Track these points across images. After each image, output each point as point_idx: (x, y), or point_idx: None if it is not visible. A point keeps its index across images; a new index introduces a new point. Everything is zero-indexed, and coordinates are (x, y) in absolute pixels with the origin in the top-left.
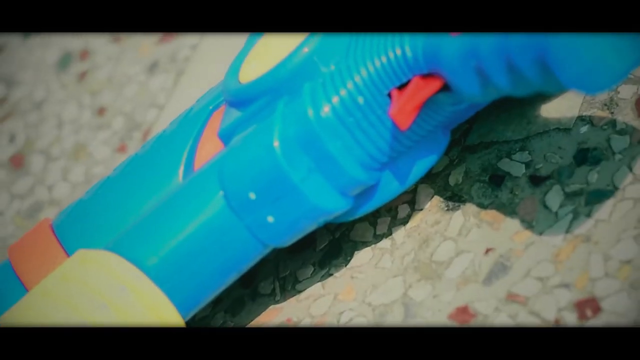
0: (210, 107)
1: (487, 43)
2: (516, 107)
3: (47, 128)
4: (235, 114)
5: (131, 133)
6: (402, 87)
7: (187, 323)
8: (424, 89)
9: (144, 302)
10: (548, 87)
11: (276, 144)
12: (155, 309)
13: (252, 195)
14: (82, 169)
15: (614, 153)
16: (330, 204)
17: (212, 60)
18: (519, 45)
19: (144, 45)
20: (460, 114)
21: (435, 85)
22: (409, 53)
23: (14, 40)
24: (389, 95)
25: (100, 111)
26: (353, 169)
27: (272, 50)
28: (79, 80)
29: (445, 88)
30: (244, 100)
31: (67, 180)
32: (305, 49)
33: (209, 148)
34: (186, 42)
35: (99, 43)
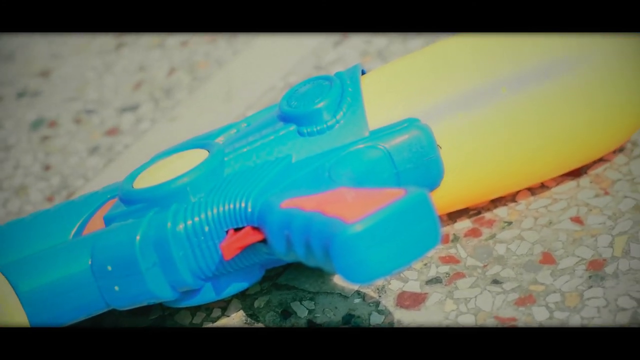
0: (109, 196)
1: (297, 222)
2: (318, 269)
3: (7, 166)
4: (121, 207)
5: (60, 191)
6: (237, 229)
7: None
8: (250, 237)
9: (10, 318)
10: (330, 269)
11: (137, 238)
12: (16, 324)
13: (109, 268)
14: (18, 203)
15: (369, 324)
16: (161, 293)
17: (134, 159)
18: (316, 232)
19: (95, 132)
20: (274, 261)
21: (258, 237)
22: (249, 208)
23: (9, 94)
24: (227, 232)
25: (47, 167)
26: (185, 274)
27: (164, 171)
28: (41, 140)
29: (265, 241)
30: (129, 200)
31: (5, 207)
32: (184, 179)
33: (96, 224)
34: (123, 141)
35: (66, 119)
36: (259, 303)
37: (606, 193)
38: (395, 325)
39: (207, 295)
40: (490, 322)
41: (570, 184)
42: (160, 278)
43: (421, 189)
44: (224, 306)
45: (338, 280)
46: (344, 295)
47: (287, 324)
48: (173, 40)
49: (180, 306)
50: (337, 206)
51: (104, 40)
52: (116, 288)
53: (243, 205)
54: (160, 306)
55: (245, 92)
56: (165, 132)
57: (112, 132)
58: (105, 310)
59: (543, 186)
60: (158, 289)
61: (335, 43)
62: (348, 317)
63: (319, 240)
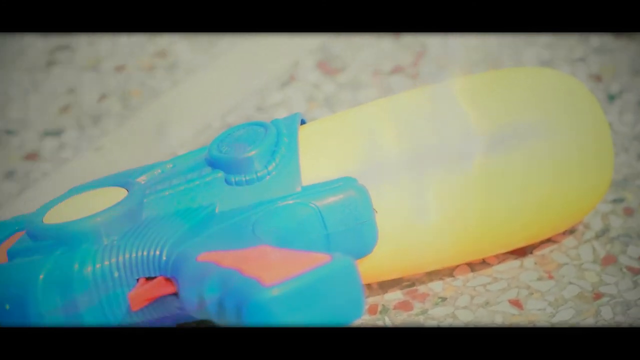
0: (17, 228)
1: (212, 278)
2: None
3: None
4: (27, 242)
5: None
6: (149, 279)
7: None
8: (161, 289)
9: None
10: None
11: (41, 277)
12: None
13: (7, 307)
14: None
15: None
16: None
17: (52, 189)
18: (230, 291)
19: (12, 156)
20: (186, 317)
21: (170, 289)
22: (164, 257)
23: None
24: (138, 280)
25: None
26: (88, 320)
27: (78, 207)
28: None
29: (177, 295)
30: (37, 235)
31: None
32: (97, 219)
33: None
34: (41, 167)
35: None
36: None
37: (550, 277)
38: None
39: None
40: None
41: (513, 263)
42: (62, 323)
43: (347, 257)
44: None
45: None
46: None
47: None
48: (108, 63)
49: None
50: (256, 265)
51: (35, 56)
52: None
53: (157, 253)
54: None
55: (178, 129)
56: (87, 162)
57: (31, 157)
58: None
59: (484, 262)
60: None
61: (282, 84)
62: None
63: (232, 301)
